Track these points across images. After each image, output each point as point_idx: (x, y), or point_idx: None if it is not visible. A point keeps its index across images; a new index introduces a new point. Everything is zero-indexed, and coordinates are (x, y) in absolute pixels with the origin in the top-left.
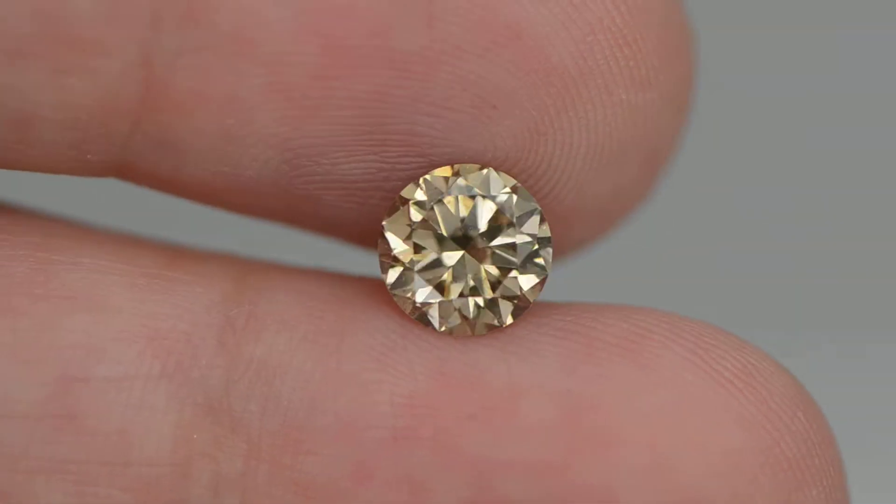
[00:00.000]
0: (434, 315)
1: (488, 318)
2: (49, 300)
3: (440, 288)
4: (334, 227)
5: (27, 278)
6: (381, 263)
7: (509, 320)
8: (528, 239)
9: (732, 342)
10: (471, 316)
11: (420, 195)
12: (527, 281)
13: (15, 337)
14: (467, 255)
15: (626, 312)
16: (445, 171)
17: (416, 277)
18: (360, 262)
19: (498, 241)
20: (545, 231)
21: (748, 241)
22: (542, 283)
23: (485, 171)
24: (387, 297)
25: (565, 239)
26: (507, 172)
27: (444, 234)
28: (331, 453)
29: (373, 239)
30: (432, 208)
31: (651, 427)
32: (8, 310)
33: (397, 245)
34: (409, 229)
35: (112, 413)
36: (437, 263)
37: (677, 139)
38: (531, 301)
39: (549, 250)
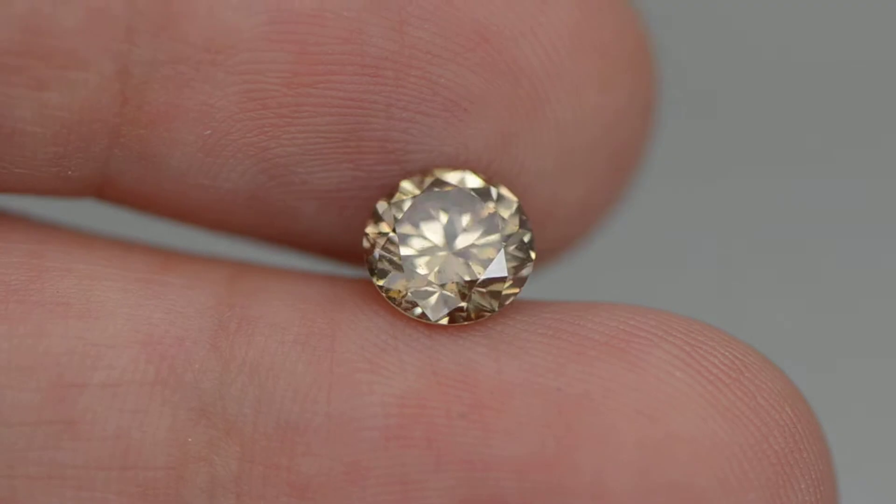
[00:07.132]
0: (428, 306)
1: (479, 304)
2: (44, 307)
3: (425, 287)
4: (312, 242)
5: (22, 285)
6: (368, 262)
7: (496, 308)
8: (509, 230)
9: (720, 338)
10: (460, 304)
11: (400, 197)
12: (510, 270)
13: (11, 343)
14: (449, 255)
15: (614, 310)
16: (423, 173)
17: (403, 276)
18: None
19: (479, 237)
20: (525, 220)
21: (737, 237)
22: (526, 265)
23: (460, 171)
24: (377, 297)
25: (542, 244)
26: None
27: (426, 235)
28: (324, 454)
29: (350, 254)
30: (413, 211)
31: (640, 423)
32: (4, 317)
33: (381, 245)
34: (391, 230)
35: (108, 418)
36: (421, 263)
37: (646, 141)
38: (518, 290)
39: (531, 236)
